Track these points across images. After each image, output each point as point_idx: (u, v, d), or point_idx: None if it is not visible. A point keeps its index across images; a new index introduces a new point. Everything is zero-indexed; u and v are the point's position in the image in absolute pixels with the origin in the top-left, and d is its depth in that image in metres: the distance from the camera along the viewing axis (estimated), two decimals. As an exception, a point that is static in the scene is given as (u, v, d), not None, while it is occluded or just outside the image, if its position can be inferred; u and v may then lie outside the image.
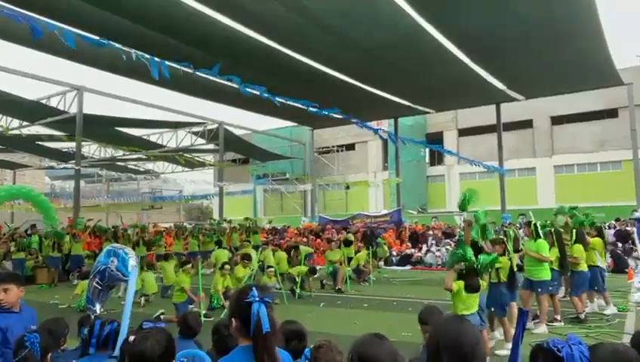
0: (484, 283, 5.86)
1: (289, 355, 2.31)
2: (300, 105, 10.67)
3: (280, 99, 9.90)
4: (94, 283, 3.89)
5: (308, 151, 33.49)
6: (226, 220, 21.30)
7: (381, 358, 1.96)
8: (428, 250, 18.85)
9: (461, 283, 5.25)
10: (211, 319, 8.76)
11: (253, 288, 2.02)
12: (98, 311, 4.10)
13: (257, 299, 1.96)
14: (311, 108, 10.68)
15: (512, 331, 6.66)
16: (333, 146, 39.33)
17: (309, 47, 14.25)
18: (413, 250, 19.03)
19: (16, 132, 21.09)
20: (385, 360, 1.96)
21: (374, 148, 39.05)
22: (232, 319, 2.03)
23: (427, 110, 23.96)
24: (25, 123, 20.84)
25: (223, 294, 9.73)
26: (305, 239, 21.12)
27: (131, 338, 2.35)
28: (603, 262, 9.44)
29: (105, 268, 3.85)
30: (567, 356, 1.63)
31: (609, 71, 17.34)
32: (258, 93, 9.59)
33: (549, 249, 8.11)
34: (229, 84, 16.25)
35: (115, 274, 3.80)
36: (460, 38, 13.89)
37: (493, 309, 6.69)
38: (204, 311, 9.28)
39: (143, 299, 10.87)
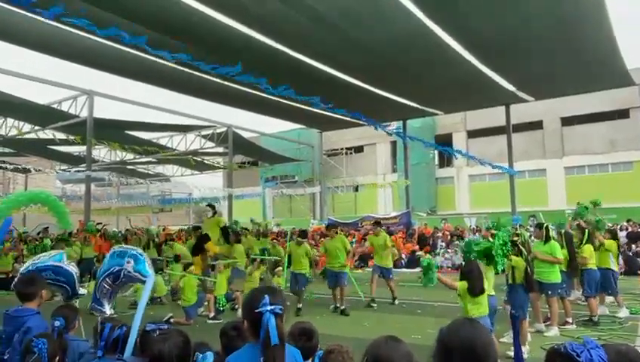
0: (490, 287, 5.88)
1: (299, 352, 2.33)
2: (310, 108, 10.65)
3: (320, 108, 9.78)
4: (105, 284, 3.92)
5: (316, 154, 33.49)
6: (253, 220, 20.95)
7: (396, 361, 1.95)
8: (433, 252, 18.80)
9: (464, 283, 5.27)
10: (220, 321, 8.79)
11: (265, 296, 2.06)
12: (108, 312, 4.13)
13: (268, 309, 2.01)
14: (321, 110, 10.65)
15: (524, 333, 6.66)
16: (341, 149, 39.30)
17: (315, 49, 14.28)
18: (420, 252, 18.95)
19: (32, 136, 21.38)
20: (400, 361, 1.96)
21: (383, 150, 38.96)
22: (244, 320, 2.13)
23: (436, 112, 23.89)
24: (37, 127, 21.08)
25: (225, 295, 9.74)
26: (312, 241, 21.11)
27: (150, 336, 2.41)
28: (616, 265, 9.38)
29: (120, 269, 3.87)
30: (587, 360, 1.60)
31: (620, 71, 17.19)
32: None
33: None
34: (238, 86, 16.42)
35: (132, 275, 3.82)
36: (469, 40, 13.85)
37: (512, 310, 6.68)
38: (211, 315, 9.29)
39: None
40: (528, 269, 6.84)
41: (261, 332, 1.99)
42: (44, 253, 5.07)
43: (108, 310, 4.18)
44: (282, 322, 2.07)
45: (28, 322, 3.42)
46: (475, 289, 5.23)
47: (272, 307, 2.02)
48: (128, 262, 3.77)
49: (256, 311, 2.02)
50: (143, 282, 3.92)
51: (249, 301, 2.14)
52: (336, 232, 10.46)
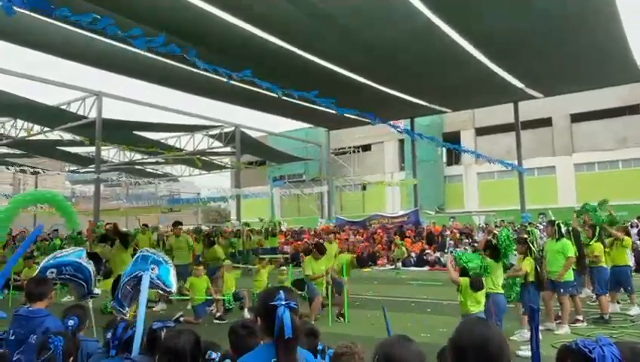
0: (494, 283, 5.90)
1: (311, 354, 2.33)
2: (318, 107, 10.63)
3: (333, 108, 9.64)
4: (128, 287, 3.91)
5: (324, 153, 33.50)
6: (274, 221, 20.82)
7: (410, 360, 1.94)
8: (442, 250, 18.75)
9: (466, 279, 5.39)
10: (225, 321, 8.80)
11: (281, 291, 2.08)
12: (127, 314, 4.15)
13: (283, 303, 2.02)
14: (328, 109, 10.61)
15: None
16: (349, 147, 39.27)
17: (322, 48, 14.27)
18: (429, 250, 18.93)
19: (41, 137, 21.56)
20: (412, 361, 1.94)
21: (391, 148, 38.89)
22: (258, 318, 2.11)
23: (444, 110, 23.80)
24: (46, 128, 21.24)
25: (233, 295, 9.73)
26: (321, 240, 21.11)
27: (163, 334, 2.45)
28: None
29: (144, 274, 3.85)
30: (599, 357, 1.58)
31: (630, 67, 17.03)
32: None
33: None
34: (245, 86, 16.43)
35: (155, 283, 3.80)
36: (477, 37, 13.77)
37: (523, 309, 6.66)
38: (217, 314, 9.29)
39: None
40: (538, 268, 6.80)
41: (275, 325, 1.98)
42: (65, 249, 5.14)
43: (127, 312, 4.19)
44: (297, 317, 2.07)
45: (45, 323, 3.42)
46: (477, 285, 5.32)
47: (287, 301, 2.03)
48: (152, 269, 3.74)
49: (272, 303, 2.02)
50: (165, 292, 3.91)
51: (264, 297, 2.14)
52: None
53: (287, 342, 1.97)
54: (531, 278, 6.74)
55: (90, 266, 4.67)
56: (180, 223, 13.16)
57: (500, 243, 6.10)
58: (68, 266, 4.50)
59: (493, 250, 6.11)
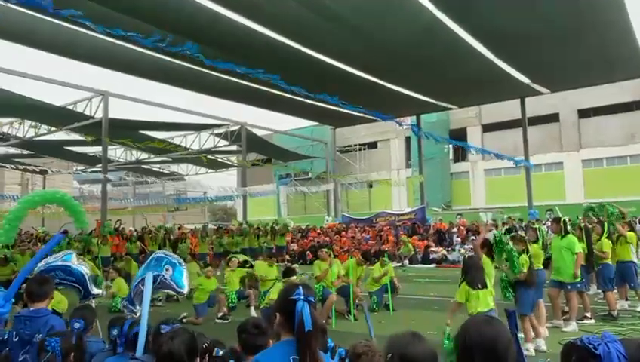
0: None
1: (328, 357, 2.33)
2: (324, 104, 10.62)
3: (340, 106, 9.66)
4: (141, 286, 3.93)
5: (330, 151, 33.44)
6: (284, 224, 20.78)
7: (426, 359, 1.92)
8: (452, 248, 18.68)
9: (464, 286, 5.35)
10: (228, 321, 8.81)
11: (299, 287, 2.10)
12: (138, 313, 4.17)
13: (302, 297, 2.04)
14: (334, 107, 10.61)
15: (541, 329, 6.57)
16: (355, 145, 39.21)
17: (328, 46, 14.25)
18: (436, 248, 18.87)
19: (48, 137, 21.70)
20: (427, 360, 1.93)
21: (397, 145, 38.78)
22: (277, 314, 2.13)
23: (450, 106, 23.70)
24: (53, 128, 21.36)
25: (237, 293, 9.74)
26: (328, 238, 21.13)
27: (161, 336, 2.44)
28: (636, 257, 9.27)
29: (158, 275, 3.88)
30: (604, 353, 1.56)
31: (637, 61, 16.88)
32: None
33: None
34: (251, 84, 16.46)
35: (168, 283, 3.83)
36: (483, 33, 13.71)
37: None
38: (220, 314, 9.29)
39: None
40: (532, 266, 6.72)
41: (295, 320, 2.00)
42: (56, 254, 5.10)
43: (138, 311, 4.22)
44: (315, 311, 2.08)
45: (50, 321, 3.43)
46: (472, 281, 5.28)
47: (306, 296, 2.05)
48: (167, 270, 3.75)
49: (290, 298, 2.05)
50: (177, 292, 3.93)
51: (283, 293, 2.16)
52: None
53: (307, 336, 1.97)
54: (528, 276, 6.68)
55: (82, 268, 4.62)
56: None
57: (496, 243, 6.14)
58: (58, 271, 4.48)
59: (489, 249, 6.14)
